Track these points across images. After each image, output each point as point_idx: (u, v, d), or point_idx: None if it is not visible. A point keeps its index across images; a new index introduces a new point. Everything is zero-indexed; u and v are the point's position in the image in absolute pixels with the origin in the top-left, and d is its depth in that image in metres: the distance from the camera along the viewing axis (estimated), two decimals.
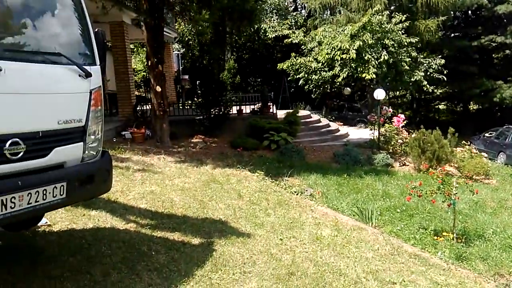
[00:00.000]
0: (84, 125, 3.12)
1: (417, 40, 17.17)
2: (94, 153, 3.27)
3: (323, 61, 17.22)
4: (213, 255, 3.91)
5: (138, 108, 11.58)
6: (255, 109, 13.30)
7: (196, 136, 10.94)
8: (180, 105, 13.73)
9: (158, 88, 9.28)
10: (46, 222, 4.23)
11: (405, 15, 17.21)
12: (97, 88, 3.26)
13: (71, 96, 3.02)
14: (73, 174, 2.95)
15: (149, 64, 9.47)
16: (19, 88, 2.57)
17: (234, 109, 12.92)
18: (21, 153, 2.57)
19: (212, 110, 11.77)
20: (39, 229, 4.10)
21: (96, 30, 3.48)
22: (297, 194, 7.02)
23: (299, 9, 26.54)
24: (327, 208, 6.52)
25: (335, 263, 4.16)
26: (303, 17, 23.74)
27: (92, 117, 3.19)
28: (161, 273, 3.49)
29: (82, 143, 3.10)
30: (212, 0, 9.13)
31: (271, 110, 13.46)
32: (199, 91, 12.74)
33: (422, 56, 18.40)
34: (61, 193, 2.79)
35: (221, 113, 11.91)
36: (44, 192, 2.66)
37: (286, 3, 25.39)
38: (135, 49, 21.02)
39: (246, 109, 13.22)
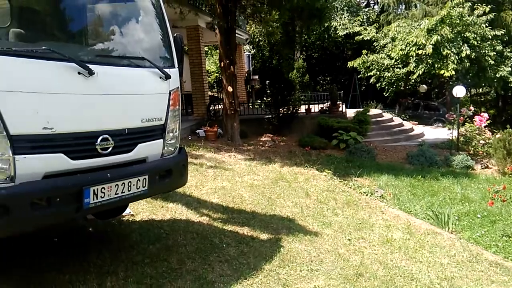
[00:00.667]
0: (164, 123, 3.36)
1: (503, 32, 15.83)
2: (172, 149, 3.51)
3: (397, 58, 16.56)
4: (281, 251, 4.00)
5: (211, 108, 12.07)
6: (324, 108, 13.18)
7: (265, 135, 11.14)
8: (250, 104, 14.04)
9: (230, 88, 9.60)
10: (130, 212, 4.61)
11: (489, 6, 15.94)
12: (176, 89, 3.49)
13: (153, 96, 3.28)
14: (154, 168, 3.20)
15: (222, 65, 9.83)
16: (108, 89, 2.85)
17: (303, 108, 12.93)
18: (110, 148, 2.86)
19: (280, 109, 11.89)
20: (124, 218, 4.49)
21: (175, 34, 3.72)
22: (366, 195, 6.87)
23: (371, 5, 25.71)
24: (398, 211, 6.29)
25: (407, 267, 4.03)
26: (376, 13, 22.96)
27: (171, 116, 3.43)
28: (231, 265, 3.65)
29: (162, 140, 3.35)
30: (282, 0, 9.24)
31: (340, 109, 13.25)
32: (268, 91, 12.94)
33: (509, 50, 16.90)
34: (144, 185, 3.05)
35: (289, 112, 11.99)
36: (129, 184, 2.93)
37: (357, 0, 24.76)
38: (208, 51, 21.84)
39: (315, 108, 13.15)
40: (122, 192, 2.88)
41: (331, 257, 4.05)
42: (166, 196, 5.23)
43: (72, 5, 3.11)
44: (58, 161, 2.56)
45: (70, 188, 2.58)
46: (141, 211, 4.73)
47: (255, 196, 5.77)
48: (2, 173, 2.30)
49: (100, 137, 2.79)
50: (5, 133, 2.28)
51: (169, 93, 3.40)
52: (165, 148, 3.40)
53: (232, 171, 6.95)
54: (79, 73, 2.62)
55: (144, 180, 3.04)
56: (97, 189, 2.70)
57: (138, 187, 3.00)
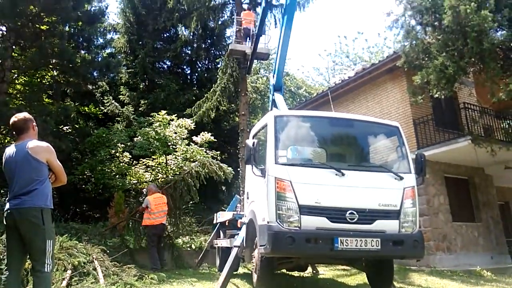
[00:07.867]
0: (399, 209, 4.86)
1: None
2: (410, 230, 4.86)
3: None
4: None
5: None
6: None
7: None
8: None
9: None
10: None
11: None
12: (410, 187, 5.00)
13: (388, 190, 4.93)
14: (386, 236, 4.68)
15: None
16: (354, 183, 4.82)
17: None
18: (355, 219, 4.67)
19: None
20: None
21: (416, 153, 5.37)
22: None
23: None
24: None
25: None
26: None
27: (405, 205, 4.89)
28: None
29: (397, 220, 4.82)
30: None
31: None
32: None
33: None
34: (377, 245, 4.56)
35: None
36: (365, 242, 4.55)
37: None
38: None
39: None
40: (360, 246, 4.54)
41: None
42: None
43: (341, 143, 5.58)
44: (322, 222, 4.64)
45: (328, 236, 4.55)
46: None
47: None
48: (295, 223, 4.60)
49: (348, 211, 4.69)
50: (296, 203, 4.64)
51: (403, 189, 4.95)
52: (401, 227, 4.81)
53: None
54: (336, 174, 4.81)
55: (377, 241, 4.58)
56: (343, 239, 4.52)
57: (372, 245, 4.56)
